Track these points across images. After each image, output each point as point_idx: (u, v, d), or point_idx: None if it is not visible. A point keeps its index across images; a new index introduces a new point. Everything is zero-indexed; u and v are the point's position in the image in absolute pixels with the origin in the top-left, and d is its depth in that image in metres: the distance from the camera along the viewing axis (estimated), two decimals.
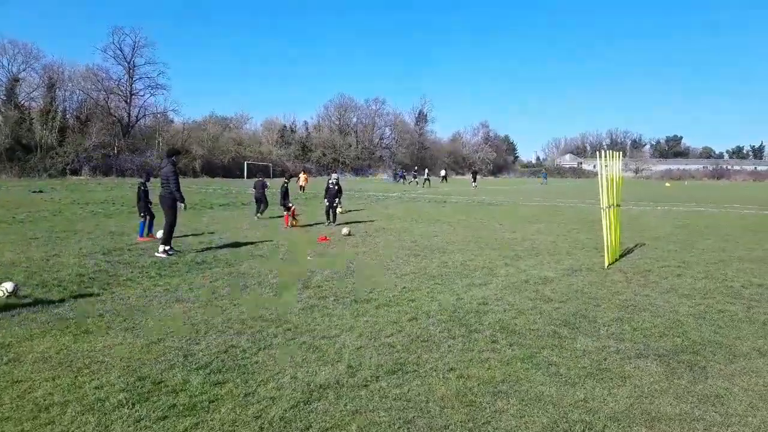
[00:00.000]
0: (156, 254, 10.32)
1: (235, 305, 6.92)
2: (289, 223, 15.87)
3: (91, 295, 7.31)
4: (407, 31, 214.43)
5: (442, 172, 64.61)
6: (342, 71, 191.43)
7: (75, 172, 57.90)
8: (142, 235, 12.81)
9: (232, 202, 25.83)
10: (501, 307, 6.96)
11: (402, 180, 61.84)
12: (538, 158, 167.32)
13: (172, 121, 79.36)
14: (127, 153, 65.64)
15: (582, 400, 4.23)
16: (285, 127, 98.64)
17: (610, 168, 10.34)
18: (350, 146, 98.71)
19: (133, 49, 72.96)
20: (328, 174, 22.87)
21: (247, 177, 65.50)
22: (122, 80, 73.09)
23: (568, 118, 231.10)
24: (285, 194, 16.90)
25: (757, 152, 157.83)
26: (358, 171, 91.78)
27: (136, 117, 74.65)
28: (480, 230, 15.65)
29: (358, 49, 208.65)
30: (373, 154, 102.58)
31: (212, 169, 72.40)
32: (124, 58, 72.83)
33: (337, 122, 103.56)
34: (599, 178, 10.28)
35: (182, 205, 10.77)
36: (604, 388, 4.48)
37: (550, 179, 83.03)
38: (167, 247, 10.44)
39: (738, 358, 5.26)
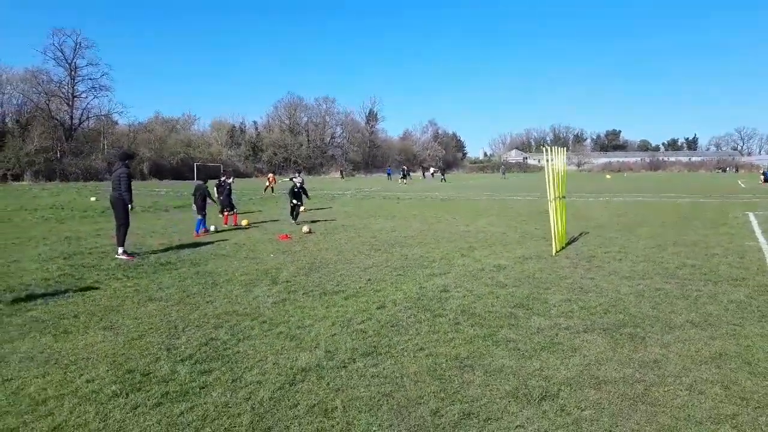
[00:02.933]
0: (116, 256, 10.36)
1: (208, 302, 7.16)
2: (229, 222, 15.99)
3: (61, 297, 7.39)
4: (355, 31, 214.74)
5: (431, 170, 67.02)
6: (291, 71, 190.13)
7: (17, 177, 55.63)
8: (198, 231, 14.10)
9: (187, 204, 25.57)
10: (461, 294, 7.48)
11: (404, 178, 60.97)
12: (485, 154, 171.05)
13: (116, 123, 77.17)
14: (70, 157, 63.46)
15: (538, 370, 4.75)
16: (234, 127, 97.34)
17: (554, 162, 11.05)
18: (301, 146, 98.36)
19: (75, 50, 70.65)
20: (294, 175, 22.63)
21: (197, 178, 64.33)
22: (64, 82, 70.67)
23: (513, 114, 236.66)
24: (229, 194, 16.66)
25: (691, 144, 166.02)
26: (310, 170, 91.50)
27: (79, 120, 72.28)
28: (435, 224, 16.23)
29: (308, 48, 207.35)
30: (325, 152, 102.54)
31: (161, 171, 70.82)
32: (65, 60, 70.43)
33: (288, 122, 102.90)
34: (546, 173, 10.98)
35: (130, 205, 10.77)
36: (557, 358, 5.02)
37: (496, 174, 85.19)
38: (123, 249, 10.47)
39: (673, 329, 5.92)
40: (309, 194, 18.82)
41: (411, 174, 59.79)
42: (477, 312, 6.56)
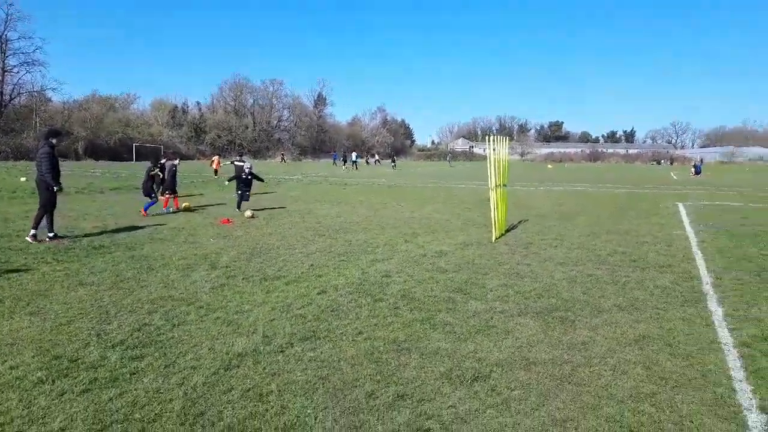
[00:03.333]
0: (26, 238, 9.88)
1: (142, 287, 6.96)
2: (169, 205, 15.35)
3: None
4: (304, 15, 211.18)
5: (376, 157, 67.50)
6: (237, 52, 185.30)
7: None
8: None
9: (123, 186, 24.66)
10: (402, 279, 7.56)
11: (346, 164, 61.67)
12: (433, 142, 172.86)
13: (50, 100, 73.27)
14: (0, 134, 59.89)
15: (472, 352, 4.89)
16: (176, 107, 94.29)
17: (497, 152, 11.28)
18: (247, 128, 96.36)
19: (5, 22, 66.48)
20: (237, 158, 21.47)
21: (136, 159, 62.13)
22: None
23: (461, 104, 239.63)
24: (174, 176, 16.08)
25: (629, 137, 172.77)
26: (256, 154, 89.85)
27: (10, 96, 68.25)
28: (381, 210, 16.30)
29: (254, 29, 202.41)
30: (272, 136, 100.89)
31: (97, 152, 67.86)
32: None
33: (233, 103, 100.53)
34: (488, 161, 11.20)
35: (56, 187, 10.17)
36: (490, 341, 5.17)
37: (443, 162, 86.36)
38: (34, 233, 9.95)
39: (602, 312, 6.19)
40: (262, 177, 18.07)
41: (358, 160, 59.81)
42: (417, 296, 6.66)
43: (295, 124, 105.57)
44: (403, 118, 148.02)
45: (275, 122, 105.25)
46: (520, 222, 13.76)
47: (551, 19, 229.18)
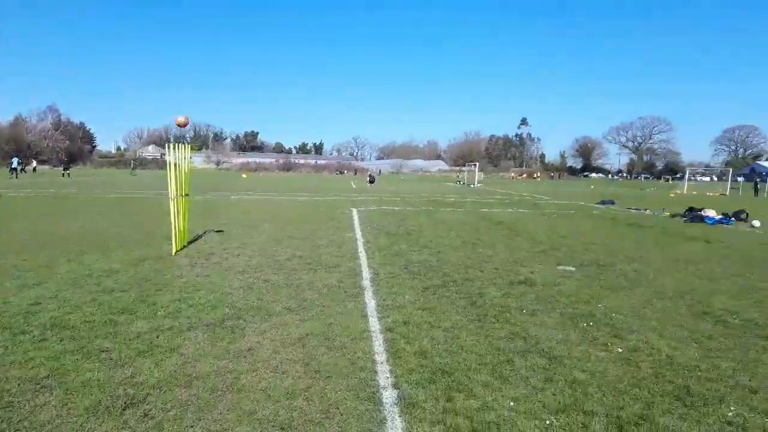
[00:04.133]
0: None
1: None
2: None
3: None
4: None
5: (33, 163, 56.37)
6: None
7: None
8: None
9: None
10: (56, 305, 6.63)
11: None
12: (119, 148, 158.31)
13: None
14: None
15: (129, 377, 4.55)
16: None
17: (179, 160, 10.86)
18: None
19: None
20: None
21: None
22: None
23: (151, 108, 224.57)
24: None
25: (318, 148, 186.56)
26: None
27: None
28: (43, 226, 14.07)
29: None
30: None
31: None
32: None
33: None
34: (168, 170, 10.69)
35: None
36: (152, 362, 4.90)
37: (127, 170, 79.91)
38: None
39: (272, 316, 6.46)
40: None
41: (19, 167, 50.99)
42: (71, 324, 5.91)
43: None
44: (82, 121, 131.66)
45: None
46: (205, 232, 13.51)
47: (243, 34, 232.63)
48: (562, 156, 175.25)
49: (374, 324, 6.25)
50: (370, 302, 7.19)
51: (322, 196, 32.07)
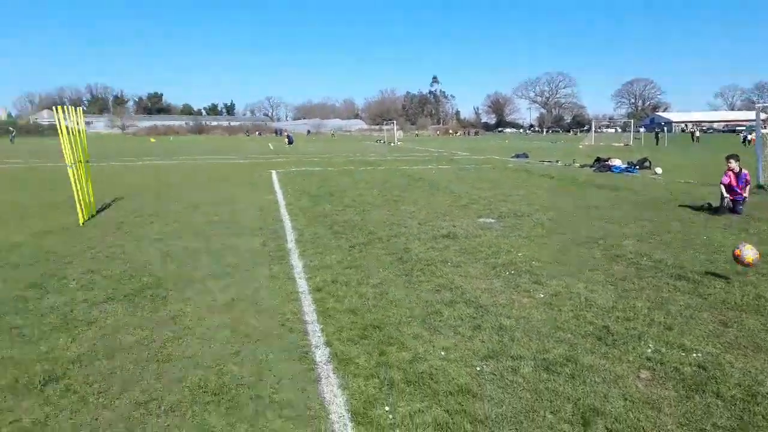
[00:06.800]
0: None
1: None
2: None
3: None
4: None
5: None
6: None
7: None
8: None
9: None
10: None
11: None
12: (9, 115, 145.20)
13: None
14: None
15: (45, 353, 4.29)
16: None
17: (71, 123, 10.10)
18: None
19: None
20: None
21: None
22: None
23: (44, 70, 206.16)
24: None
25: (230, 109, 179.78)
26: None
27: None
28: None
29: None
30: None
31: None
32: None
33: None
34: (60, 136, 9.93)
35: None
36: (69, 336, 4.64)
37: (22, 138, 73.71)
38: None
39: (195, 283, 6.25)
40: None
41: None
42: None
43: None
44: None
45: None
46: (114, 200, 12.79)
47: None
48: (476, 112, 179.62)
49: (302, 285, 6.21)
50: (297, 264, 7.13)
51: (238, 158, 31.11)
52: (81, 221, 9.79)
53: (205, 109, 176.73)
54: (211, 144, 63.00)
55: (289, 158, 31.15)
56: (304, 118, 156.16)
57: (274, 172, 21.05)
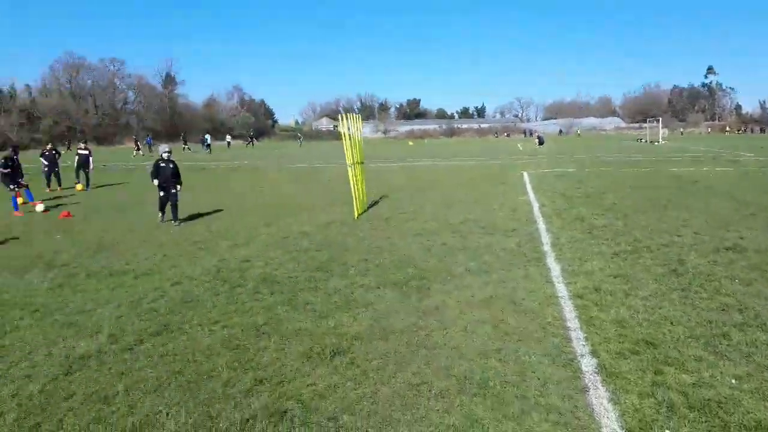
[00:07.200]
0: None
1: None
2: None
3: None
4: None
5: (228, 138, 65.61)
6: (69, 28, 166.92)
7: None
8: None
9: None
10: (263, 262, 7.42)
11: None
12: (297, 122, 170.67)
13: None
14: None
15: (332, 328, 4.94)
16: (1, 92, 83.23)
17: (352, 130, 11.41)
18: (87, 112, 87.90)
19: None
20: (82, 146, 18.78)
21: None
22: None
23: (323, 83, 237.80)
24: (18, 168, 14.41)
25: (480, 112, 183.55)
26: (101, 141, 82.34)
27: None
28: (240, 194, 15.81)
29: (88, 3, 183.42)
30: (118, 120, 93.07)
31: None
32: None
33: (68, 85, 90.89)
34: (343, 140, 11.30)
35: None
36: (350, 315, 5.26)
37: (306, 142, 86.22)
38: None
39: (454, 278, 6.55)
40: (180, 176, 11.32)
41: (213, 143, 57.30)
42: (278, 279, 6.58)
43: (144, 107, 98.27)
44: (263, 98, 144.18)
45: (120, 105, 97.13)
46: (381, 198, 14.09)
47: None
48: (763, 107, 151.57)
49: (561, 289, 6.03)
50: (554, 267, 6.95)
51: (488, 159, 31.59)
52: (356, 215, 11.03)
53: (457, 112, 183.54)
54: (462, 146, 65.16)
55: (540, 159, 30.50)
56: (555, 118, 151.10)
57: (525, 173, 20.83)
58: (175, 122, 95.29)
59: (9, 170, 13.64)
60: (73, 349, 4.54)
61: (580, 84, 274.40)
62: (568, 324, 5.00)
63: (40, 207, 12.97)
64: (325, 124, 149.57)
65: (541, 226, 9.75)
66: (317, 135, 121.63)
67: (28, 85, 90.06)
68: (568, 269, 6.83)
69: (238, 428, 3.33)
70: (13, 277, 6.92)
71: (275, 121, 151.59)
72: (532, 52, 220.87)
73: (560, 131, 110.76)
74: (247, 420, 3.41)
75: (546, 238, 8.66)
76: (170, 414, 3.49)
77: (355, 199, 11.23)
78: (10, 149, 15.20)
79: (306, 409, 3.54)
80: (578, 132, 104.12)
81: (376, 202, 13.23)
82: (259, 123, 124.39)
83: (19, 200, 13.57)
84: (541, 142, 50.38)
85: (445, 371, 4.06)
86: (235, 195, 15.67)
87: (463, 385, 3.84)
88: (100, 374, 4.07)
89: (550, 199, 13.08)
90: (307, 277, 6.67)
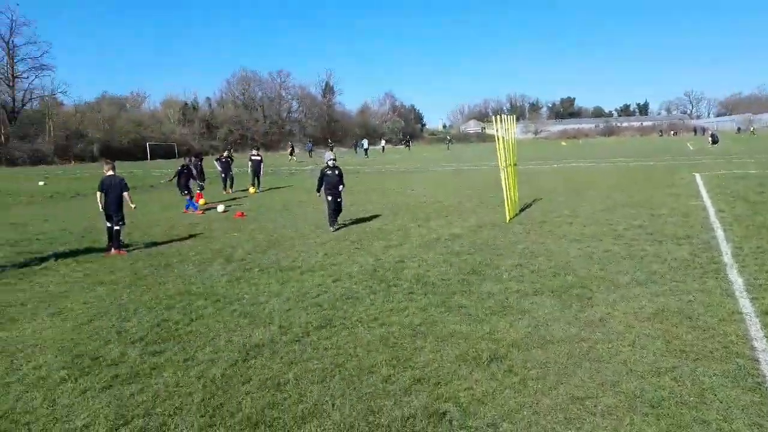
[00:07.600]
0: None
1: (160, 283, 7.05)
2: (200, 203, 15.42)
3: (7, 285, 7.15)
4: (308, 4, 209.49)
5: (382, 143, 67.67)
6: (242, 45, 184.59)
7: None
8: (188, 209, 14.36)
9: (138, 185, 24.86)
10: (416, 263, 7.56)
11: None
12: (444, 125, 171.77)
13: (62, 104, 73.76)
14: (15, 140, 60.56)
15: (488, 333, 4.88)
16: (186, 104, 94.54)
17: (505, 131, 11.18)
18: (257, 121, 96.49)
19: (11, 28, 66.85)
20: (254, 152, 20.69)
21: (151, 158, 62.68)
22: (2, 63, 66.98)
23: (471, 85, 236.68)
24: (201, 172, 16.47)
25: (643, 109, 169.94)
26: (269, 147, 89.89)
27: (22, 101, 68.87)
28: (393, 196, 16.27)
29: (257, 21, 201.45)
30: (283, 128, 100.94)
31: (111, 153, 68.19)
32: (2, 39, 66.61)
33: (242, 97, 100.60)
34: (496, 141, 11.11)
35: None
36: (506, 321, 5.15)
37: (455, 145, 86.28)
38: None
39: (619, 288, 6.13)
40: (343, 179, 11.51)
41: (370, 147, 59.65)
42: (431, 280, 6.66)
43: (305, 115, 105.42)
44: (413, 103, 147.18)
45: (285, 114, 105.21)
46: (533, 201, 13.65)
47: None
48: None
49: (746, 305, 5.37)
50: (737, 280, 6.21)
51: (653, 160, 29.11)
52: (507, 218, 10.80)
53: (616, 110, 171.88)
54: (621, 146, 60.81)
55: (715, 159, 27.44)
56: (731, 114, 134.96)
57: (697, 175, 18.87)
58: (332, 128, 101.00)
59: (179, 177, 15.14)
60: (249, 338, 4.99)
61: (761, 75, 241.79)
62: (755, 344, 4.44)
63: (220, 207, 14.46)
64: (472, 126, 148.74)
65: (719, 233, 8.76)
66: (465, 137, 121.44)
67: (208, 98, 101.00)
68: (754, 283, 6.06)
69: (400, 425, 3.42)
70: (196, 269, 7.79)
71: (423, 125, 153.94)
72: (703, 41, 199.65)
73: (738, 129, 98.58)
74: (408, 418, 3.49)
75: (726, 248, 7.77)
76: (335, 405, 3.69)
77: (507, 201, 10.99)
78: (192, 157, 17.23)
79: (465, 413, 3.53)
80: (753, 130, 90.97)
81: (528, 205, 12.84)
82: (408, 127, 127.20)
83: (201, 201, 15.29)
84: (715, 141, 45.34)
85: (612, 387, 3.80)
86: (386, 196, 16.16)
87: (633, 402, 3.57)
88: (272, 362, 4.42)
89: (729, 204, 11.71)
90: (460, 279, 6.66)
